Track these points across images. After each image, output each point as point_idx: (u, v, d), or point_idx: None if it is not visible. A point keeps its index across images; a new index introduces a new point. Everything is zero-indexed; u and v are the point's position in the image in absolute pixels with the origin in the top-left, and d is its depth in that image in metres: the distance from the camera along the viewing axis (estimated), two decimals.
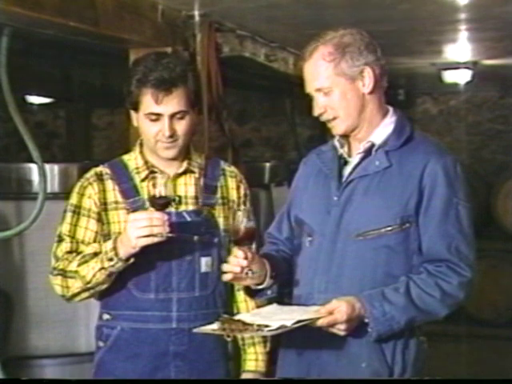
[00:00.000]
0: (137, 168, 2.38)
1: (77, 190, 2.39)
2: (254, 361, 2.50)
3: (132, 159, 2.42)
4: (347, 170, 2.24)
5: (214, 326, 2.07)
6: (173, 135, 2.30)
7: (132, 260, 2.21)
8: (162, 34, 3.50)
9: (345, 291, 2.12)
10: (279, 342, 2.35)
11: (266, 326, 1.98)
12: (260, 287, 2.24)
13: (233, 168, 2.56)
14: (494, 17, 4.12)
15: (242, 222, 2.17)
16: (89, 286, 2.27)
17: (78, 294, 2.31)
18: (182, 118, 2.32)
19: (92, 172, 2.40)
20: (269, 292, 2.27)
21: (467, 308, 6.94)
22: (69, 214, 2.37)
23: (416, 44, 5.14)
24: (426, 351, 2.24)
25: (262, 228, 4.50)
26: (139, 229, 2.14)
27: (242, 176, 2.55)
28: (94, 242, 2.34)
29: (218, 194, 2.44)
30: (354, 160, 2.24)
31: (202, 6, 3.64)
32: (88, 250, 2.30)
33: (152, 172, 2.37)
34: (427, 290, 2.11)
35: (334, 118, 2.19)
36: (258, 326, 2.00)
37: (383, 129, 2.22)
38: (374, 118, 2.21)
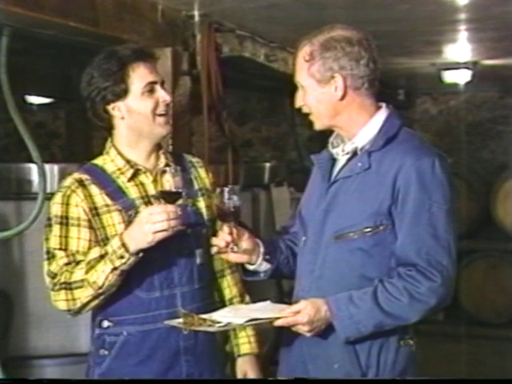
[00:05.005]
0: (119, 169, 2.34)
1: (59, 200, 2.30)
2: (247, 344, 2.52)
3: (108, 162, 2.37)
4: (335, 170, 2.26)
5: (180, 320, 2.16)
6: (169, 103, 2.33)
7: (141, 254, 2.18)
8: (162, 34, 3.50)
9: (325, 292, 2.14)
10: (278, 343, 2.38)
11: (218, 322, 2.07)
12: (251, 267, 2.30)
13: (197, 158, 2.57)
14: (494, 17, 4.11)
15: (231, 199, 2.21)
16: (101, 291, 2.21)
17: (88, 303, 2.25)
18: (163, 88, 2.35)
19: (71, 180, 2.33)
20: (262, 274, 2.32)
21: (467, 308, 6.95)
22: (56, 227, 2.28)
23: (416, 44, 5.13)
24: (412, 353, 2.20)
25: (261, 228, 4.51)
26: (156, 223, 2.12)
27: (206, 165, 2.57)
28: (89, 250, 2.27)
29: (196, 186, 2.45)
30: (341, 161, 2.26)
31: (202, 6, 3.64)
32: (91, 255, 2.24)
33: (137, 170, 2.35)
34: (395, 294, 2.08)
35: (310, 114, 2.25)
36: (211, 321, 2.09)
37: (370, 129, 2.22)
38: (357, 119, 2.22)
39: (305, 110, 2.26)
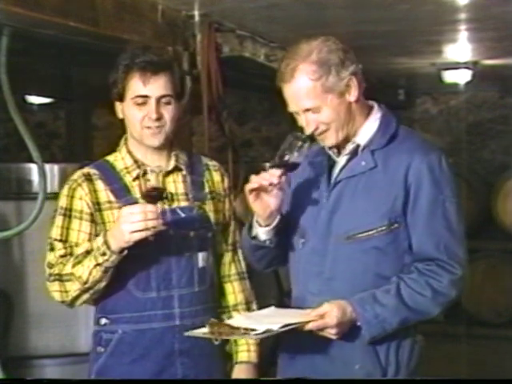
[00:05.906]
0: (126, 168, 2.36)
1: (65, 192, 2.35)
2: (246, 352, 2.49)
3: (119, 159, 2.39)
4: (336, 171, 2.23)
5: (205, 330, 2.09)
6: (160, 119, 2.29)
7: (125, 252, 2.18)
8: (162, 34, 3.50)
9: (337, 294, 2.12)
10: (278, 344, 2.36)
11: (253, 330, 2.01)
12: (261, 230, 2.21)
13: (215, 162, 2.56)
14: (494, 17, 4.12)
15: (301, 153, 2.15)
16: (87, 285, 2.23)
17: (78, 296, 2.28)
18: (168, 104, 2.32)
19: (79, 173, 2.37)
20: (267, 242, 2.24)
21: (467, 308, 6.95)
22: (59, 218, 2.33)
23: (416, 44, 5.14)
24: (422, 350, 2.23)
25: None
26: (133, 223, 2.11)
27: (223, 169, 2.56)
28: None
29: (206, 189, 2.44)
30: (341, 161, 2.23)
31: (202, 6, 3.65)
32: (79, 250, 2.27)
33: (144, 171, 2.34)
34: (418, 289, 2.10)
35: (326, 131, 2.17)
36: (245, 329, 2.03)
37: (368, 128, 2.21)
38: (359, 119, 2.20)
39: (318, 131, 2.17)
